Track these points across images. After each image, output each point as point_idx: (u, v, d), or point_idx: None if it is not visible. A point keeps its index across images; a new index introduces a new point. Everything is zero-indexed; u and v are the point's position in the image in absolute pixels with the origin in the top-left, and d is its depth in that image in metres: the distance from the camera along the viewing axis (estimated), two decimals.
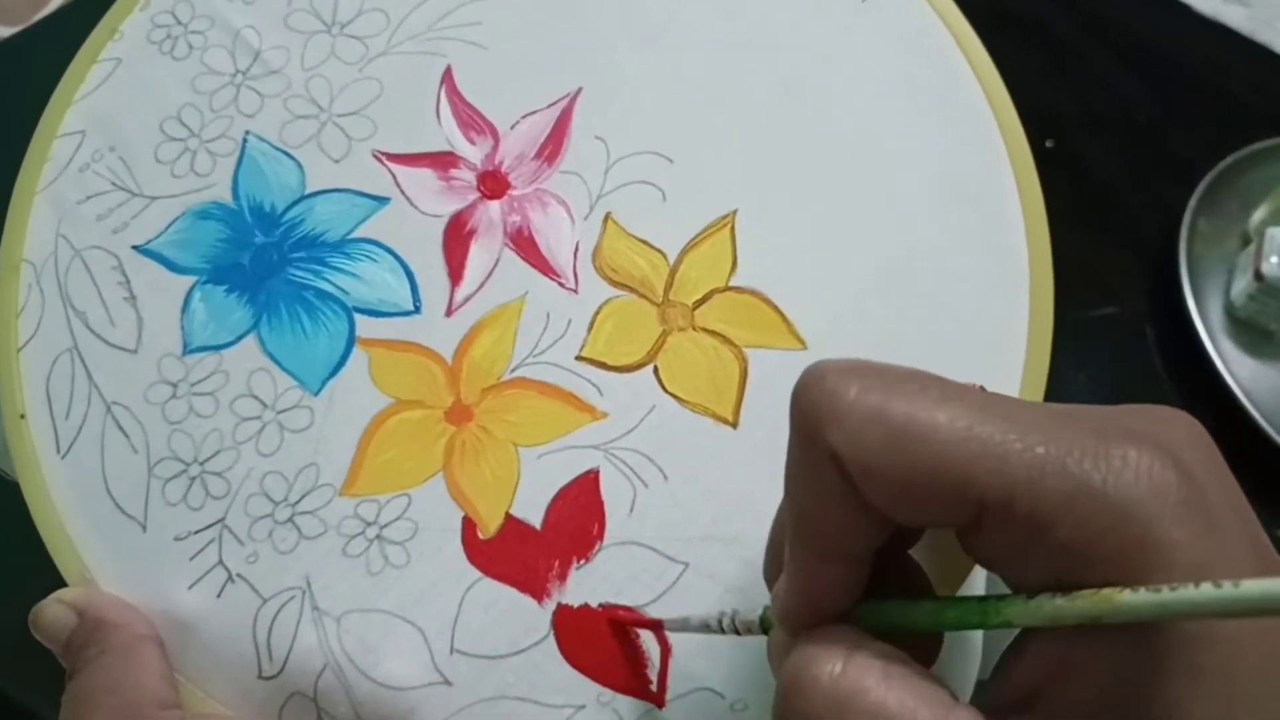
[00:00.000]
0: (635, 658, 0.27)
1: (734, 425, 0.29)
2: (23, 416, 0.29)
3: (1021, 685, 0.18)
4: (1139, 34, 0.65)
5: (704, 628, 0.24)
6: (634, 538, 0.28)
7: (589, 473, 0.28)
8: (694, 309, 0.30)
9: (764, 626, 0.22)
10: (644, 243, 0.30)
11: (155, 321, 0.30)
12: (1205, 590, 0.15)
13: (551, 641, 0.27)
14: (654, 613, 0.27)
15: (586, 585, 0.27)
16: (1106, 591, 0.16)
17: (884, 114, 0.32)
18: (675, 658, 0.27)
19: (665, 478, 0.28)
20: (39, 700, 0.36)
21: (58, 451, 0.29)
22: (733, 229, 0.30)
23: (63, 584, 0.28)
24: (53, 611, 0.27)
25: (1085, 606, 0.16)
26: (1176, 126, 0.62)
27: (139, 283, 0.30)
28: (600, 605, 0.27)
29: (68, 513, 0.28)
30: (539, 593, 0.27)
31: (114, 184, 0.31)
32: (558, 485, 0.28)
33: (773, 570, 0.23)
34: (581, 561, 0.27)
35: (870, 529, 0.19)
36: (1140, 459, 0.17)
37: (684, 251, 0.30)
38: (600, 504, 0.28)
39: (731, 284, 0.30)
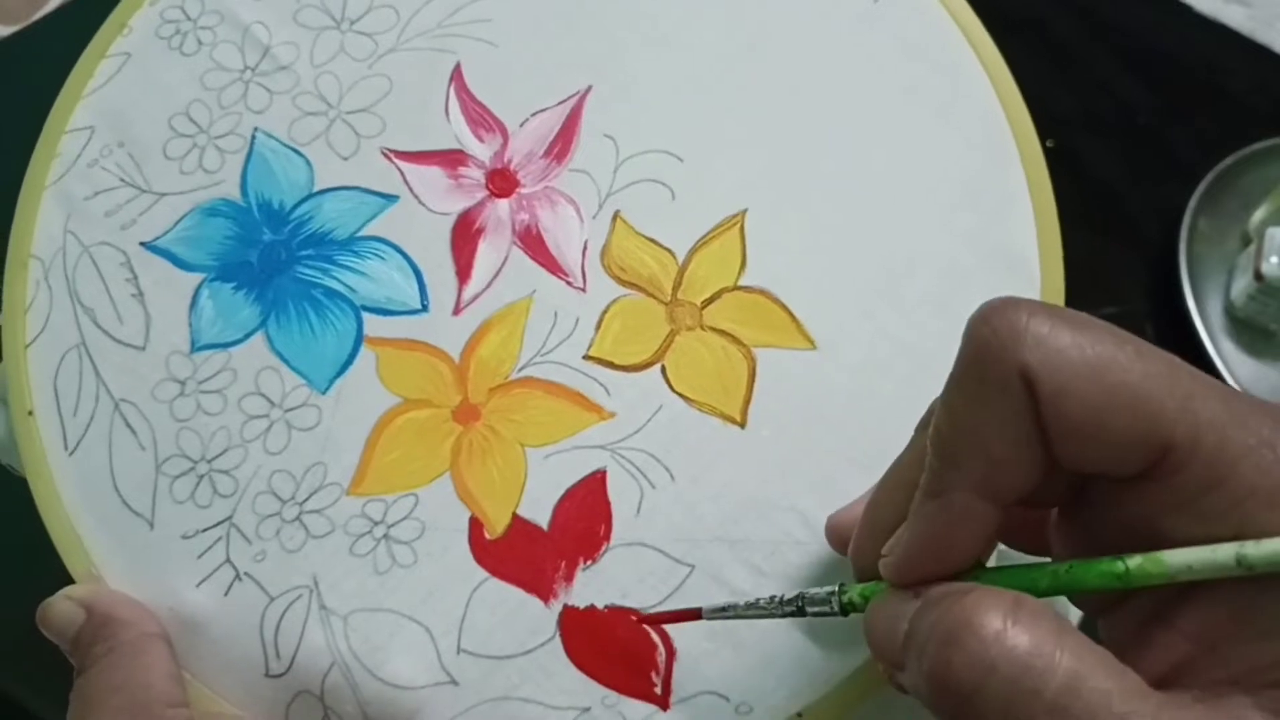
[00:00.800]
0: (641, 660, 0.26)
1: (742, 425, 0.29)
2: (31, 413, 0.29)
3: (1169, 656, 0.18)
4: (1139, 34, 0.65)
5: (755, 611, 0.23)
6: (641, 539, 0.27)
7: (596, 473, 0.28)
8: (702, 308, 0.30)
9: (844, 608, 0.21)
10: (653, 241, 0.30)
11: (163, 318, 0.30)
12: None
13: (557, 643, 0.27)
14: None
15: (593, 586, 0.27)
16: None
17: (895, 114, 0.31)
18: (680, 660, 0.26)
19: (672, 478, 0.28)
20: (39, 700, 0.36)
21: (65, 448, 0.29)
22: (742, 228, 0.30)
23: (68, 582, 0.28)
24: (61, 608, 0.27)
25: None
26: (1176, 126, 0.62)
27: (147, 280, 0.30)
28: (606, 607, 0.27)
29: (75, 510, 0.28)
30: (545, 593, 0.27)
31: (122, 180, 0.31)
32: (565, 485, 0.28)
33: (865, 543, 0.22)
34: (588, 562, 0.27)
35: (1033, 465, 0.18)
36: None
37: (693, 250, 0.30)
38: (607, 505, 0.28)
39: (740, 283, 0.30)
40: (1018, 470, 0.18)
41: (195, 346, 0.29)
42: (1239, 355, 0.55)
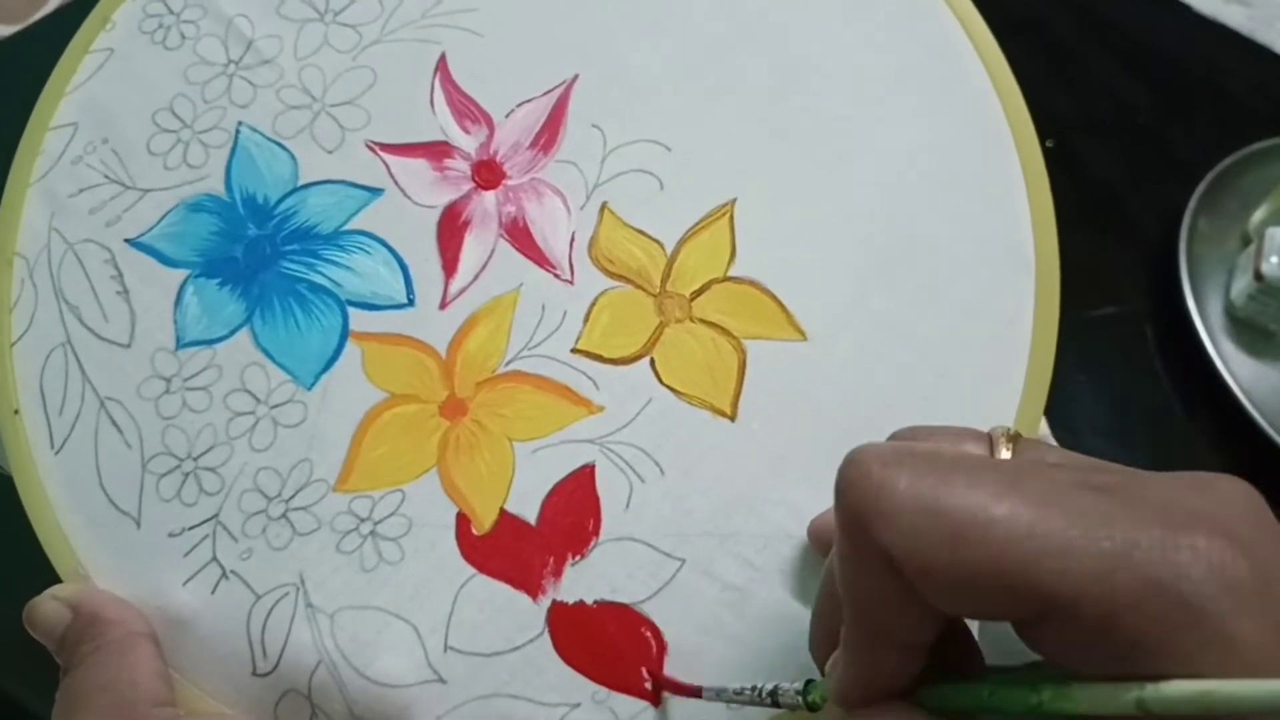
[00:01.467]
0: (631, 656, 0.26)
1: (732, 418, 0.28)
2: (16, 412, 0.29)
3: None
4: (1139, 34, 0.64)
5: (743, 698, 0.24)
6: (630, 533, 0.27)
7: (585, 467, 0.28)
8: (692, 300, 0.29)
9: (809, 705, 0.22)
10: (641, 233, 0.30)
11: (148, 315, 0.29)
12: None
13: (546, 639, 0.26)
14: (651, 611, 0.27)
15: (582, 582, 0.27)
16: (1206, 682, 0.15)
17: (885, 102, 0.31)
18: (671, 655, 0.26)
19: (662, 472, 0.28)
20: (39, 700, 0.36)
21: (51, 447, 0.29)
22: (731, 218, 0.30)
23: (58, 580, 0.28)
24: (48, 607, 0.27)
25: (1181, 694, 0.15)
26: (1176, 126, 0.62)
27: (132, 276, 0.30)
28: (595, 602, 0.27)
29: (62, 508, 0.28)
30: (534, 589, 0.27)
31: (107, 177, 0.31)
32: (553, 480, 0.28)
33: (819, 642, 0.22)
34: (577, 558, 0.27)
35: (928, 621, 0.18)
36: (1210, 550, 0.16)
37: (682, 241, 0.30)
38: (596, 499, 0.27)
39: (730, 274, 0.29)
40: (914, 626, 0.18)
41: (180, 343, 0.29)
42: (1239, 355, 0.55)
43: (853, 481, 0.18)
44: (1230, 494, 0.18)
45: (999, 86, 0.31)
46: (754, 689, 0.23)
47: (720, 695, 0.25)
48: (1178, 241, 0.55)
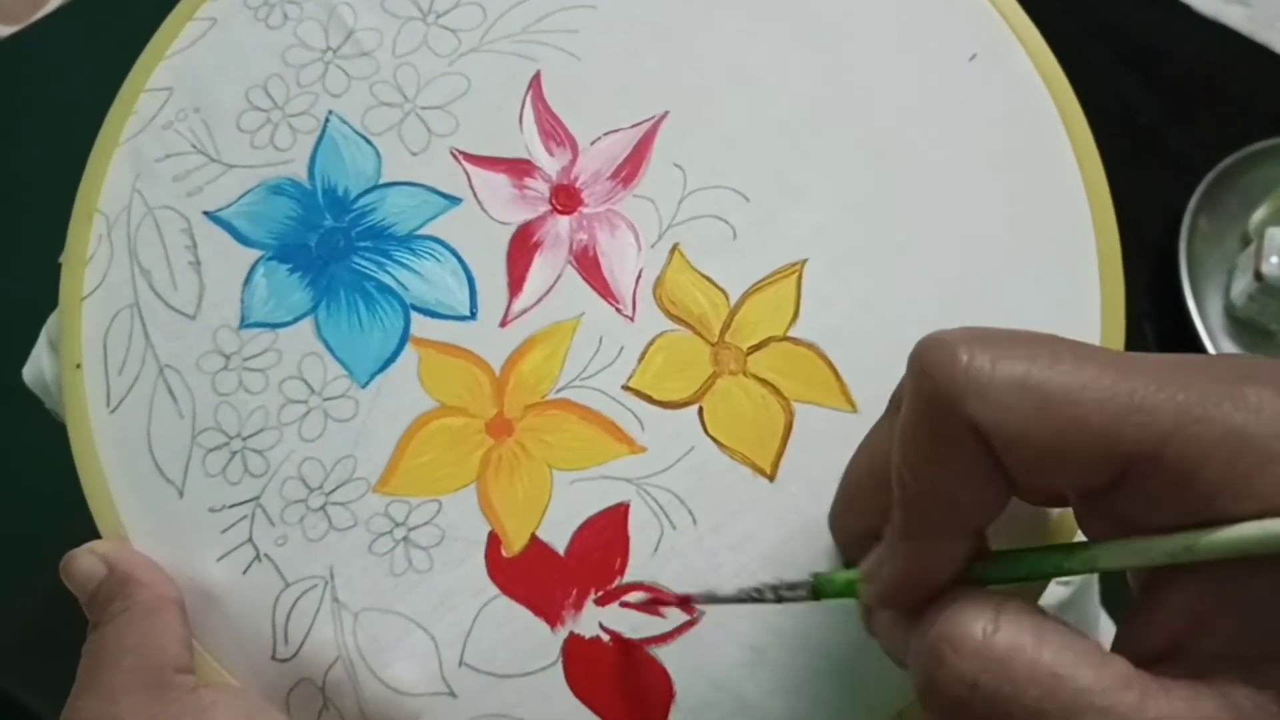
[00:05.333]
0: (641, 698, 0.27)
1: (771, 478, 0.28)
2: (78, 366, 0.30)
3: (1160, 635, 0.18)
4: (1139, 34, 0.64)
5: (740, 597, 0.24)
6: (655, 578, 0.28)
7: (619, 505, 0.28)
8: (748, 354, 0.29)
9: (816, 593, 0.22)
10: (707, 279, 0.30)
11: (217, 290, 0.30)
12: None
13: (559, 669, 0.27)
14: (664, 657, 0.27)
15: (601, 618, 0.27)
16: (1270, 522, 0.16)
17: (975, 187, 0.31)
18: (677, 705, 0.27)
19: (694, 522, 0.28)
20: (39, 700, 0.37)
21: (108, 405, 0.29)
22: (799, 279, 0.30)
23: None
24: (85, 561, 0.28)
25: (1246, 534, 0.17)
26: (1176, 126, 0.61)
27: (206, 249, 0.30)
28: (611, 640, 0.27)
29: (110, 466, 0.29)
30: (553, 618, 0.27)
31: (194, 146, 0.31)
32: (586, 514, 0.28)
33: (847, 523, 0.23)
34: (599, 593, 0.27)
35: (1002, 500, 0.19)
36: (1275, 399, 0.17)
37: (746, 294, 0.30)
38: (626, 539, 0.28)
39: (790, 334, 0.30)
40: (984, 509, 0.19)
41: (244, 323, 0.30)
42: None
43: (938, 360, 0.18)
44: (1271, 365, 0.19)
45: (1088, 182, 0.31)
46: (756, 587, 0.24)
47: (714, 598, 0.25)
48: (1178, 241, 0.55)
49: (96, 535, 0.29)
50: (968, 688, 0.18)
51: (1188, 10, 0.65)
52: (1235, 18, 0.64)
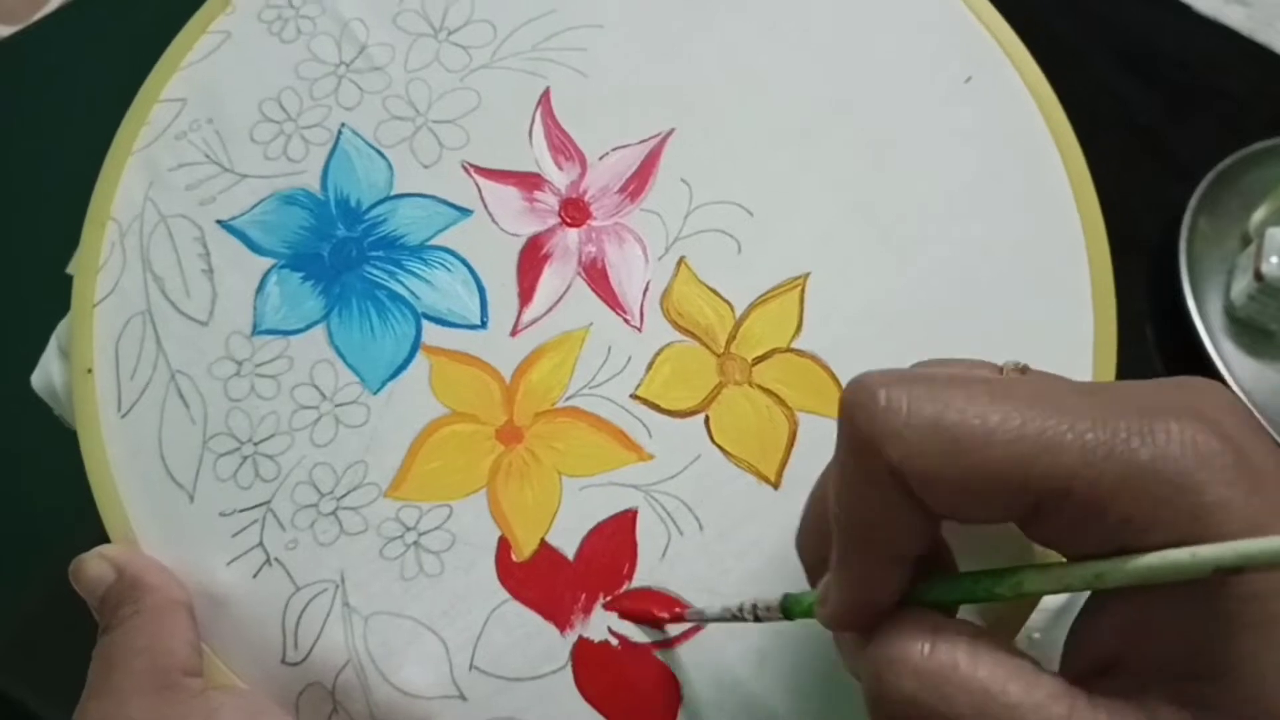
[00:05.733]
0: (649, 700, 0.27)
1: (775, 486, 0.29)
2: (90, 371, 0.30)
3: (1099, 651, 0.19)
4: (1139, 34, 0.65)
5: (724, 616, 0.25)
6: (662, 583, 0.28)
7: (627, 512, 0.29)
8: (753, 365, 0.30)
9: (786, 613, 0.24)
10: (713, 292, 0.31)
11: (229, 298, 0.30)
12: (1262, 543, 0.16)
13: (568, 672, 0.27)
14: (671, 661, 0.27)
15: (610, 622, 0.28)
16: (1169, 552, 0.17)
17: (971, 199, 0.32)
18: (685, 706, 0.27)
19: (701, 528, 0.29)
20: (39, 700, 0.36)
21: (119, 410, 0.30)
22: (803, 291, 0.31)
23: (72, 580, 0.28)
24: (94, 565, 0.28)
25: (1149, 563, 0.17)
26: (1176, 126, 0.62)
27: (219, 257, 0.31)
28: (619, 644, 0.27)
29: (120, 471, 0.29)
30: (563, 623, 0.28)
31: (207, 156, 0.32)
32: (595, 519, 0.28)
33: (809, 547, 0.24)
34: (608, 598, 0.28)
35: (927, 530, 0.20)
36: (1183, 431, 0.18)
37: (751, 306, 0.31)
38: (634, 544, 0.28)
39: (793, 345, 0.30)
40: (909, 539, 0.20)
41: (257, 330, 0.30)
42: (1239, 355, 0.55)
43: (860, 404, 0.19)
44: (1204, 388, 0.19)
45: (1078, 193, 0.32)
46: (738, 606, 0.25)
47: (703, 617, 0.26)
48: (1178, 241, 0.56)
49: (104, 539, 0.29)
50: (906, 703, 0.19)
51: (1188, 10, 0.65)
52: (1235, 18, 0.65)
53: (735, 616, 0.25)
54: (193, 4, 0.33)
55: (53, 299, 0.31)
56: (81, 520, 0.29)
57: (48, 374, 0.31)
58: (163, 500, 0.29)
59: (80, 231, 0.31)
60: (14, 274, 0.41)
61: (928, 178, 0.32)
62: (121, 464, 0.29)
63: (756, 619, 0.25)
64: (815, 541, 0.24)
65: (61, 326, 0.31)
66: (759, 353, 0.30)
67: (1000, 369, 0.23)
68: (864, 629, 0.21)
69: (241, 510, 0.28)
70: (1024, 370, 0.23)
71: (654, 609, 0.27)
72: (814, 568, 0.24)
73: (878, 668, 0.19)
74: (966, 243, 0.31)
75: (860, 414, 0.19)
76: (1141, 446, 0.18)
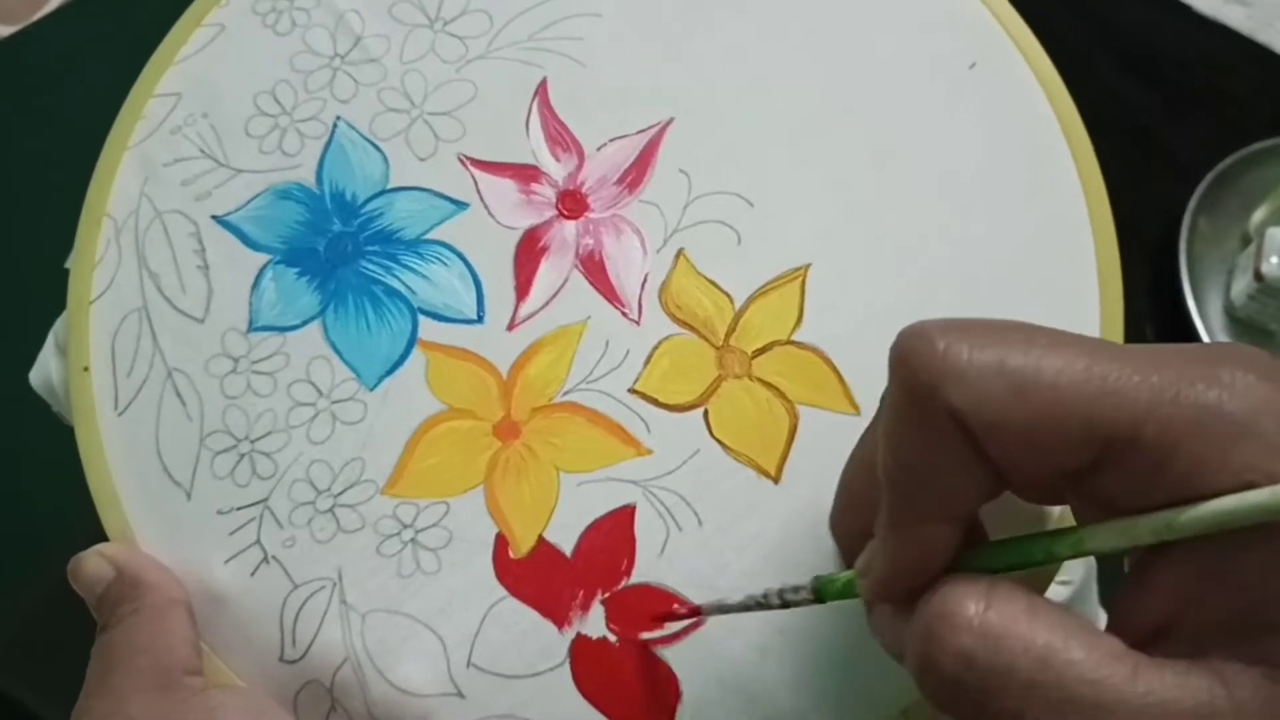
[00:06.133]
0: (648, 698, 0.27)
1: (776, 480, 0.29)
2: (86, 369, 0.30)
3: (1149, 617, 0.19)
4: (1139, 34, 0.65)
5: (748, 606, 0.25)
6: (661, 579, 0.28)
7: (625, 507, 0.28)
8: (752, 357, 0.30)
9: (818, 594, 0.23)
10: (712, 284, 0.30)
11: (225, 294, 0.30)
12: None
13: (566, 670, 0.27)
14: (671, 657, 0.27)
15: (607, 618, 0.27)
16: (1249, 493, 0.17)
17: (974, 192, 0.31)
18: (684, 704, 0.27)
19: (700, 523, 0.28)
20: (39, 700, 0.37)
21: (115, 408, 0.29)
22: (803, 283, 0.30)
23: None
24: (92, 563, 0.28)
25: (1224, 508, 0.17)
26: (1176, 126, 0.62)
27: (214, 253, 0.31)
28: (618, 640, 0.27)
29: (118, 469, 0.29)
30: (561, 619, 0.27)
31: (202, 151, 0.32)
32: (593, 515, 0.28)
33: (846, 522, 0.24)
34: (606, 594, 0.28)
35: (985, 484, 0.19)
36: (1245, 376, 0.18)
37: (751, 298, 0.30)
38: (632, 540, 0.28)
39: (793, 338, 0.30)
40: (968, 494, 0.19)
41: (253, 326, 0.30)
42: None
43: (916, 350, 0.19)
44: (1245, 348, 0.19)
45: (1087, 189, 0.31)
46: (762, 594, 0.24)
47: (724, 608, 0.26)
48: (1178, 241, 0.56)
49: (103, 538, 0.29)
50: (963, 664, 0.18)
51: (1188, 10, 0.65)
52: (1235, 18, 0.65)
53: (760, 604, 0.25)
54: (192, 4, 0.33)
55: (52, 297, 0.31)
56: (81, 519, 0.29)
57: (46, 371, 0.31)
58: (160, 498, 0.29)
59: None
60: (14, 271, 0.41)
61: (932, 171, 0.31)
62: (119, 462, 0.29)
63: (784, 604, 0.24)
64: (853, 516, 0.23)
65: (59, 323, 0.31)
66: (759, 345, 0.30)
67: None
68: (909, 598, 0.20)
69: (239, 508, 0.28)
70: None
71: (672, 604, 0.27)
72: (854, 545, 0.23)
73: (930, 627, 0.19)
74: (968, 242, 0.30)
75: (918, 359, 0.19)
76: (1208, 390, 0.17)
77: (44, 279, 0.32)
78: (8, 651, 0.32)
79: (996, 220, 0.31)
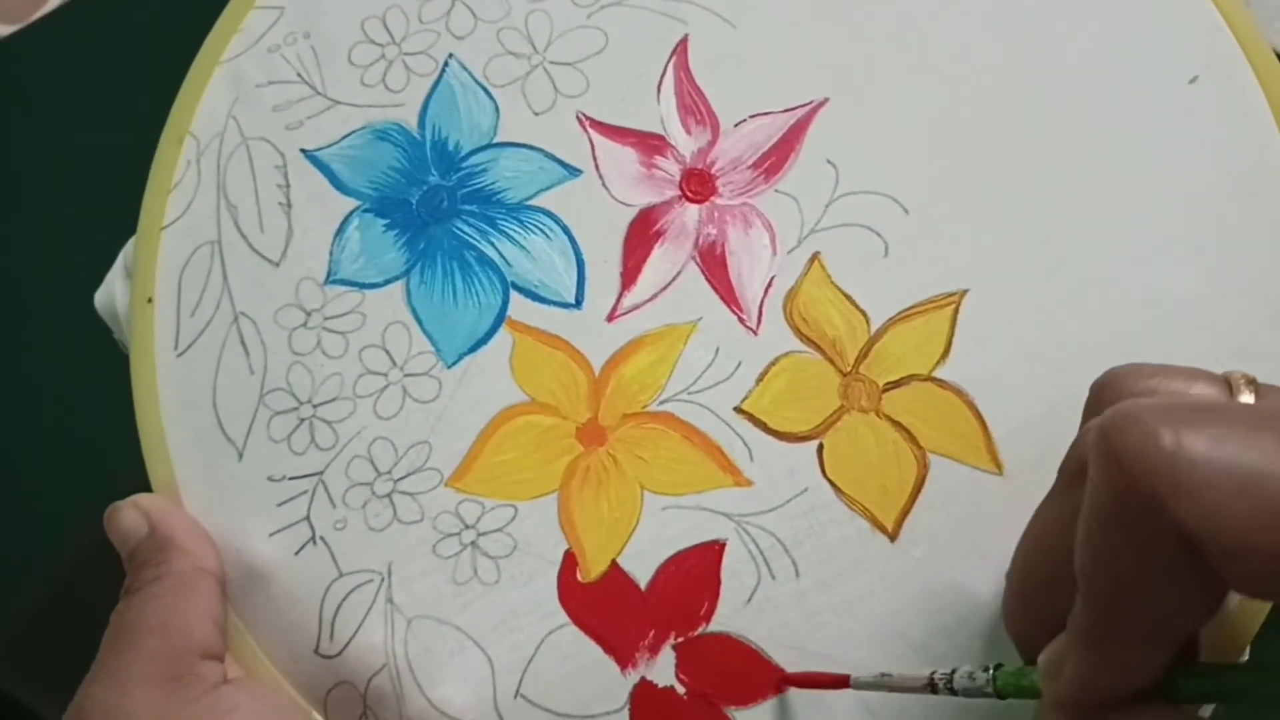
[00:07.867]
0: None
1: (892, 537, 0.25)
2: (150, 300, 0.27)
3: None
4: None
5: (912, 687, 0.21)
6: (744, 631, 0.24)
7: (714, 543, 0.25)
8: (884, 391, 0.26)
9: (999, 690, 0.20)
10: (848, 298, 0.26)
11: (305, 238, 0.27)
12: None
13: (624, 717, 0.24)
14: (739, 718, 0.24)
15: (678, 666, 0.24)
16: None
17: (1177, 231, 0.26)
18: None
19: (797, 574, 0.25)
20: (39, 700, 0.36)
21: (175, 348, 0.27)
22: (956, 311, 0.26)
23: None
24: (128, 515, 0.26)
25: None
26: None
27: (299, 191, 0.28)
28: (687, 693, 0.24)
29: (170, 414, 0.27)
30: (625, 659, 0.24)
31: (299, 75, 0.29)
32: (676, 546, 0.25)
33: (1021, 611, 0.21)
34: (679, 638, 0.24)
35: (1211, 608, 0.16)
36: None
37: (891, 321, 0.26)
38: (717, 582, 0.25)
39: (935, 374, 0.26)
40: (1189, 619, 0.16)
41: (331, 278, 0.27)
42: None
43: (1136, 448, 0.15)
44: None
45: None
46: (929, 676, 0.21)
47: (879, 684, 0.22)
48: None
49: (147, 487, 0.27)
50: None
51: None
52: None
53: (926, 687, 0.21)
54: (191, 6, 0.30)
55: (54, 296, 0.29)
56: (126, 468, 0.27)
57: (110, 294, 0.29)
58: (210, 453, 0.26)
59: (81, 249, 0.28)
60: (16, 269, 0.39)
61: (1129, 199, 0.26)
62: (172, 407, 0.27)
63: (952, 693, 0.21)
64: (1031, 605, 0.20)
65: (128, 247, 0.29)
66: (893, 377, 0.26)
67: (1224, 379, 0.19)
68: (1093, 714, 0.17)
69: (291, 478, 0.26)
70: (1254, 382, 0.18)
71: (756, 661, 0.24)
72: (1028, 634, 0.20)
73: None
74: (1162, 283, 0.26)
75: (1137, 461, 0.15)
76: None
77: (44, 277, 0.30)
78: (8, 651, 0.31)
79: (1198, 265, 0.26)
